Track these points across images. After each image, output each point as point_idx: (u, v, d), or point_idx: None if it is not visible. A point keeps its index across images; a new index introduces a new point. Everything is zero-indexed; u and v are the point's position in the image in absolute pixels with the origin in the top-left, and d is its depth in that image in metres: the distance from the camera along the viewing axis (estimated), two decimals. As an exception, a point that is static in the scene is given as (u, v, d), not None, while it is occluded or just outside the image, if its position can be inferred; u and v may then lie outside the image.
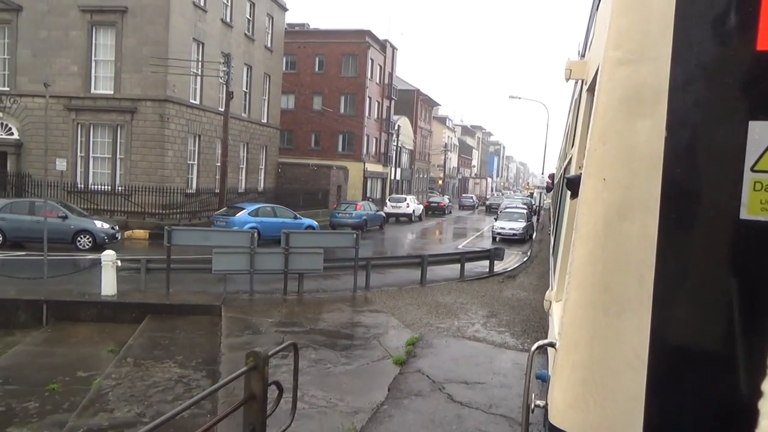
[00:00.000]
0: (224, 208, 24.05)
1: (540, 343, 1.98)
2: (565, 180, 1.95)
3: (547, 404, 1.76)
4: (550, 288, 4.24)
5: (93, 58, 26.07)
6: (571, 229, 2.12)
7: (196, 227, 19.33)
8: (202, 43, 28.13)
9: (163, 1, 25.23)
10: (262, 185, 36.32)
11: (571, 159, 3.76)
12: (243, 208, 22.45)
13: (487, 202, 61.38)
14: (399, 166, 54.64)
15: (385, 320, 10.75)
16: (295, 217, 23.78)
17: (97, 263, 13.61)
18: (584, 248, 1.62)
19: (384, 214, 33.64)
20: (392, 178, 53.02)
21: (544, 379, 2.29)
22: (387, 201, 40.51)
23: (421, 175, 67.59)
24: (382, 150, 51.00)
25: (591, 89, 2.37)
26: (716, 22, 1.48)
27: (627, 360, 1.53)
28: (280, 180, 38.71)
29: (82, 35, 25.91)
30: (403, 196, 42.23)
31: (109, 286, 11.09)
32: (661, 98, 1.52)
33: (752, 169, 1.45)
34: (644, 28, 1.54)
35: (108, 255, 11.18)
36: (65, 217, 17.59)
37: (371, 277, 13.56)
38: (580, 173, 1.98)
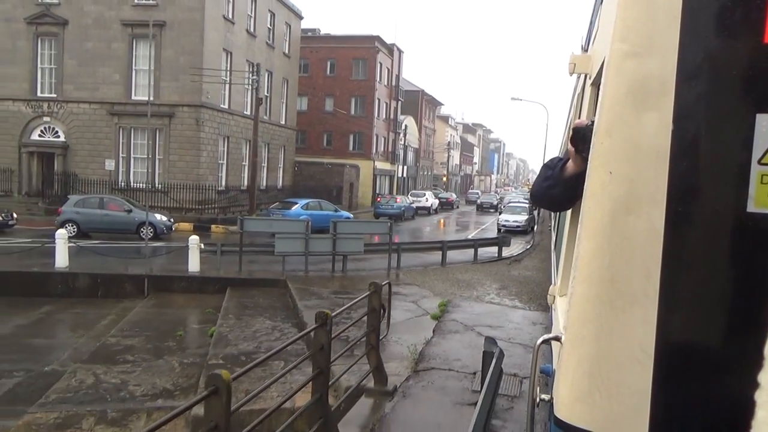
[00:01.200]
0: (277, 203, 27.65)
1: (545, 337, 2.02)
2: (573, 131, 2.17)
3: (552, 398, 1.78)
4: (552, 283, 4.21)
5: (133, 67, 28.63)
6: (575, 225, 2.17)
7: (262, 218, 22.36)
8: (231, 53, 30.70)
9: (198, 16, 27.80)
10: (281, 183, 38.93)
11: None
12: (296, 203, 25.98)
13: (479, 200, 54.10)
14: (405, 164, 57.25)
15: (418, 290, 13.37)
16: (336, 210, 27.54)
17: (161, 250, 16.31)
18: (590, 242, 1.62)
19: (415, 207, 39.46)
20: (399, 175, 55.64)
21: (548, 373, 2.31)
22: (409, 195, 44.67)
23: (426, 172, 70.20)
24: (390, 149, 53.59)
25: (595, 83, 2.36)
26: (723, 14, 1.46)
27: (633, 354, 1.54)
28: (296, 178, 41.32)
29: (124, 47, 28.46)
30: (423, 191, 47.22)
31: (194, 264, 13.74)
32: (667, 91, 1.51)
33: (759, 162, 1.45)
34: (651, 21, 1.53)
35: (194, 239, 13.84)
36: (130, 211, 20.15)
37: (400, 259, 16.21)
38: (590, 123, 2.01)
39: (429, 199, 44.46)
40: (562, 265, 3.05)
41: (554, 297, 3.11)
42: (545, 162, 2.51)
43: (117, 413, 7.18)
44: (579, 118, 3.36)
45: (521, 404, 6.43)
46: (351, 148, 48.32)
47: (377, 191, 49.00)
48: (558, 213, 6.04)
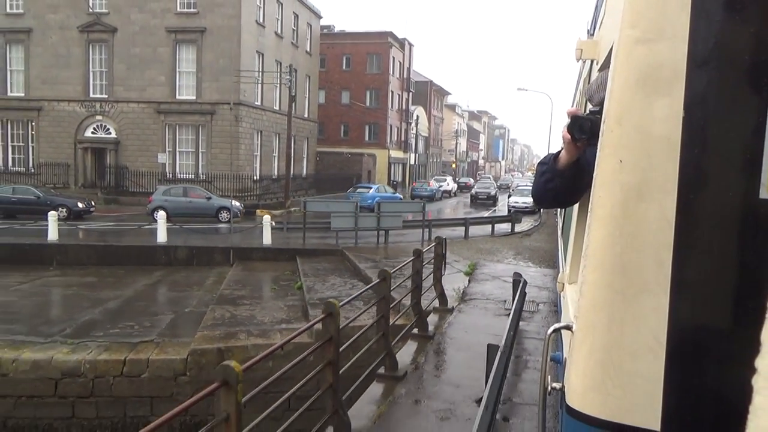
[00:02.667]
0: (351, 188, 34.64)
1: (556, 326, 2.03)
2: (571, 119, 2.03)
3: (563, 387, 1.80)
4: (561, 270, 4.19)
5: (177, 69, 31.70)
6: (584, 212, 2.24)
7: (322, 200, 26.26)
8: (263, 54, 33.74)
9: (236, 22, 30.80)
10: (305, 172, 42.09)
11: None
12: (371, 188, 33.02)
13: (473, 190, 44.07)
14: (416, 152, 60.32)
15: (449, 256, 16.40)
16: (394, 192, 35.00)
17: (234, 229, 19.49)
18: (601, 231, 1.62)
19: (442, 190, 46.36)
20: (411, 163, 58.73)
21: (558, 361, 2.34)
22: (433, 180, 50.14)
23: (435, 160, 73.23)
24: (403, 138, 56.66)
25: (602, 69, 2.31)
26: None
27: (645, 342, 1.54)
28: (318, 167, 44.50)
29: (168, 51, 31.53)
30: (444, 177, 52.68)
31: (267, 238, 16.98)
32: (678, 78, 1.49)
33: None
34: (661, 6, 1.51)
35: (267, 219, 17.06)
36: (209, 198, 23.36)
37: (431, 233, 19.40)
38: (592, 113, 2.03)
39: (450, 184, 50.18)
40: (570, 253, 3.00)
41: (563, 284, 3.04)
42: (539, 161, 2.54)
43: (258, 331, 10.41)
44: (586, 103, 3.38)
45: (537, 316, 9.61)
46: (367, 138, 51.40)
47: (392, 178, 52.20)
48: None
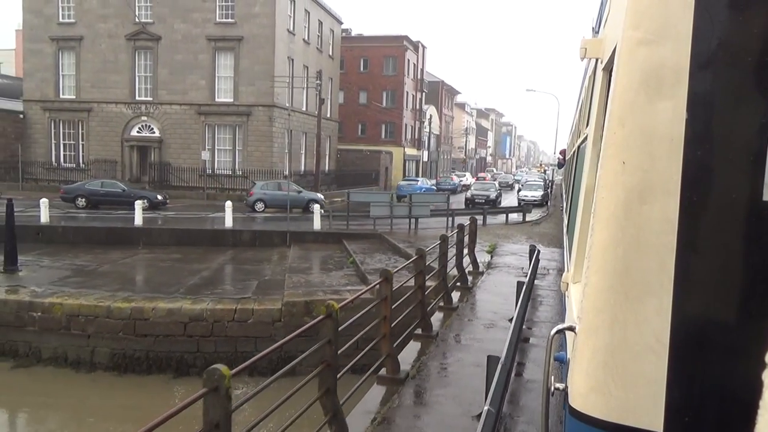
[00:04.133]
0: (401, 180, 41.88)
1: (559, 327, 2.05)
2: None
3: (566, 387, 1.80)
4: (566, 269, 4.21)
5: (217, 74, 34.74)
6: (588, 212, 2.29)
7: (363, 191, 29.93)
8: (293, 60, 36.75)
9: (270, 31, 33.81)
10: (327, 168, 45.08)
11: (586, 137, 3.66)
12: (418, 180, 40.38)
13: (469, 193, 35.59)
14: (429, 149, 63.28)
15: (471, 239, 19.55)
16: (433, 185, 42.84)
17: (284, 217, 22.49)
18: (604, 232, 1.63)
19: (463, 184, 52.97)
20: (424, 160, 61.72)
21: (562, 361, 2.36)
22: (454, 175, 55.98)
23: (446, 157, 76.15)
24: (416, 136, 59.61)
25: (607, 68, 2.33)
26: (738, 0, 1.45)
27: (648, 343, 1.55)
28: (339, 163, 47.53)
29: (208, 58, 34.57)
30: (463, 172, 58.71)
31: (317, 223, 20.07)
32: (681, 79, 1.49)
33: None
34: (664, 7, 1.52)
35: (317, 207, 20.17)
36: (300, 192, 26.45)
37: (454, 221, 22.43)
38: None
39: (469, 179, 56.45)
40: (575, 253, 2.94)
41: (567, 284, 2.98)
42: None
43: (331, 290, 13.45)
44: (591, 102, 3.33)
45: (548, 277, 12.59)
46: (383, 136, 54.37)
47: (406, 174, 55.19)
48: (570, 194, 6.13)
